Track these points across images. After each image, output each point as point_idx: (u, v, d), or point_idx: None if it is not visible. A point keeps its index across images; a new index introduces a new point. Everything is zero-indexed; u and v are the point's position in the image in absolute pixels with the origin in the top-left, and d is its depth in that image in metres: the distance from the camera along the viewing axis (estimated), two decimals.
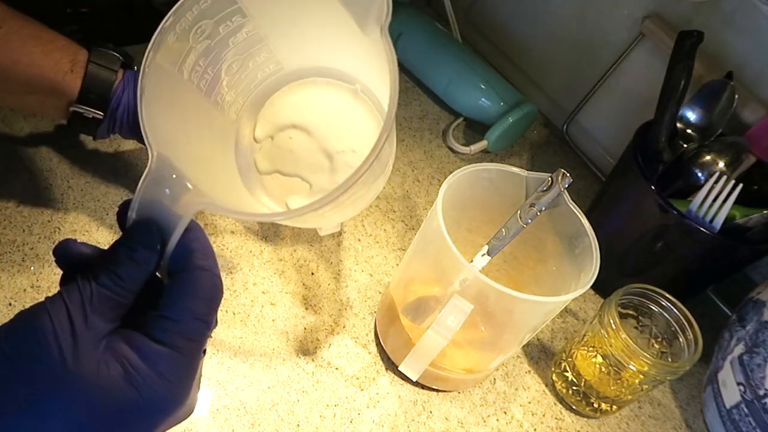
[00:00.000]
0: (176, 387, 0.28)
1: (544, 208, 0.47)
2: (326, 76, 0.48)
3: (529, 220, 0.47)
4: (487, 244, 0.48)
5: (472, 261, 0.48)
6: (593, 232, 0.47)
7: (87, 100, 0.47)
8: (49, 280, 0.50)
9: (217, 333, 0.52)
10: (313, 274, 0.59)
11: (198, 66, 0.38)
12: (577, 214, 0.48)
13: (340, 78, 0.48)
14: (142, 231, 0.28)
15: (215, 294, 0.29)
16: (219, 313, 0.53)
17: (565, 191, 0.47)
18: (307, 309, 0.57)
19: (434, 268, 0.51)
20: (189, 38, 0.36)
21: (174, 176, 0.28)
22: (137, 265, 0.28)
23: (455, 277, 0.44)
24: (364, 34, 0.36)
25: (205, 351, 0.30)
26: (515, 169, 0.49)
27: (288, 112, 0.47)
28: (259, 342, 0.53)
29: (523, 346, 0.61)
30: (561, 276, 0.51)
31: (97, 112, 0.48)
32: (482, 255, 0.48)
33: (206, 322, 0.29)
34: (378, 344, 0.56)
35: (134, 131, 0.49)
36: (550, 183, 0.47)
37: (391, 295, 0.54)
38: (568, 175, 0.47)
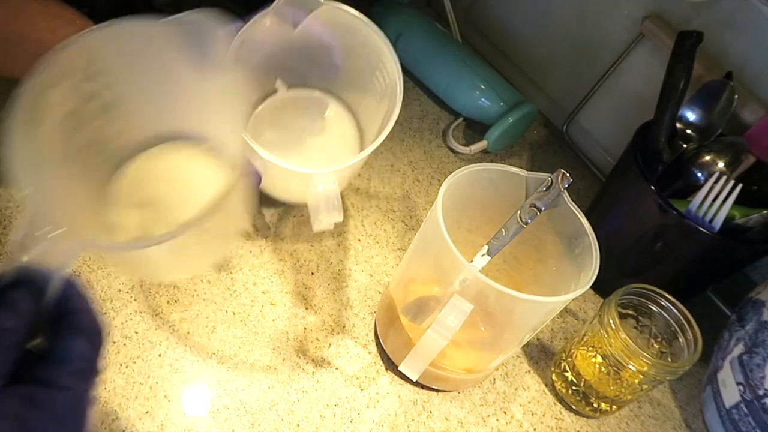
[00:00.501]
0: (71, 427, 0.28)
1: (543, 208, 0.47)
2: (181, 138, 0.46)
3: (529, 220, 0.47)
4: (486, 244, 0.48)
5: (471, 261, 0.48)
6: (593, 232, 0.47)
7: None
8: None
9: (217, 333, 0.52)
10: (313, 274, 0.59)
11: (67, 122, 0.37)
12: (577, 214, 0.48)
13: (197, 137, 0.46)
14: (17, 287, 0.28)
15: (99, 333, 0.29)
16: (219, 313, 0.54)
17: (565, 191, 0.47)
18: (307, 309, 0.57)
19: (434, 268, 0.51)
20: (54, 96, 0.35)
21: (47, 227, 0.28)
22: (19, 319, 0.27)
23: (455, 277, 0.45)
24: (209, 78, 0.37)
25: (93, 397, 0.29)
26: (515, 169, 0.49)
27: (137, 187, 0.45)
28: (259, 342, 0.53)
29: (523, 346, 0.61)
30: (561, 276, 0.51)
31: None
32: (482, 255, 0.48)
33: (94, 361, 0.29)
34: (378, 344, 0.56)
35: None
36: (549, 183, 0.47)
37: (390, 295, 0.54)
38: (568, 175, 0.47)
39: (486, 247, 0.48)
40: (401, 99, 0.50)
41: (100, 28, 0.35)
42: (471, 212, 0.53)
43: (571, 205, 0.48)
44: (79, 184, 0.40)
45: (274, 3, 0.48)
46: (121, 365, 0.48)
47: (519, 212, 0.48)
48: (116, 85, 0.38)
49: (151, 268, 0.41)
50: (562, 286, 0.49)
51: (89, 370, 0.29)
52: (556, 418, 0.57)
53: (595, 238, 0.47)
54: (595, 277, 0.45)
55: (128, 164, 0.44)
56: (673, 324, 0.54)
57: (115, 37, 0.35)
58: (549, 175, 0.48)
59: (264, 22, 0.49)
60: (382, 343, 0.56)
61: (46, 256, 0.28)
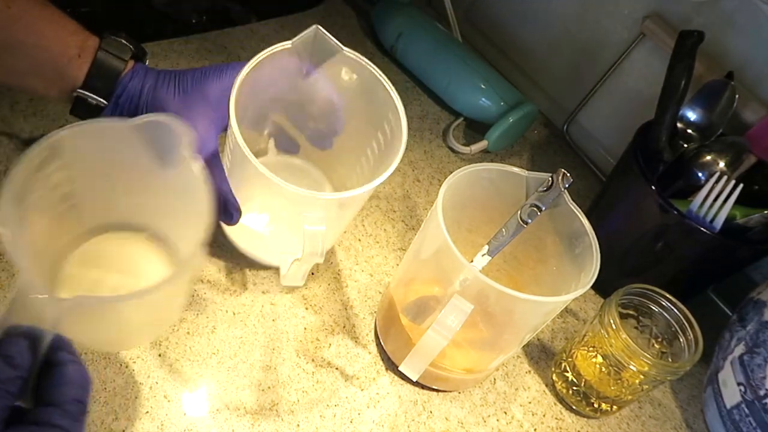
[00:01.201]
0: None
1: (544, 208, 0.47)
2: (133, 227, 0.48)
3: (529, 220, 0.47)
4: (487, 244, 0.48)
5: (472, 261, 0.48)
6: (593, 232, 0.47)
7: (92, 86, 0.47)
8: None
9: (217, 333, 0.52)
10: (313, 273, 0.59)
11: (40, 202, 0.40)
12: (578, 213, 0.48)
13: (149, 228, 0.48)
14: (14, 343, 0.31)
15: (86, 379, 0.33)
16: (219, 313, 0.53)
17: (566, 191, 0.47)
18: (307, 309, 0.57)
19: (434, 268, 0.51)
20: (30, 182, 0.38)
21: (39, 295, 0.32)
22: (15, 371, 0.30)
23: (455, 277, 0.44)
24: (169, 176, 0.40)
25: None
26: (515, 169, 0.49)
27: (83, 271, 0.47)
28: (259, 342, 0.53)
29: (524, 347, 0.61)
30: (561, 276, 0.50)
31: (101, 99, 0.47)
32: (482, 255, 0.48)
33: (83, 403, 0.32)
34: (378, 344, 0.56)
35: None
36: (550, 183, 0.47)
37: (390, 295, 0.54)
38: (568, 175, 0.47)
39: (486, 247, 0.48)
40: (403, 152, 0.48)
41: (72, 127, 0.38)
42: (471, 212, 0.53)
43: (571, 205, 0.48)
44: (42, 257, 0.43)
45: (294, 39, 0.46)
46: (121, 365, 0.48)
47: (519, 212, 0.47)
48: (77, 177, 0.41)
49: (119, 328, 0.42)
50: (563, 286, 0.49)
51: (80, 411, 0.32)
52: (556, 419, 0.57)
53: (595, 237, 0.47)
54: (595, 276, 0.45)
55: (79, 248, 0.47)
56: (674, 324, 0.54)
57: (83, 135, 0.38)
58: (549, 174, 0.48)
59: (278, 61, 0.47)
60: (382, 343, 0.56)
61: (38, 315, 0.32)
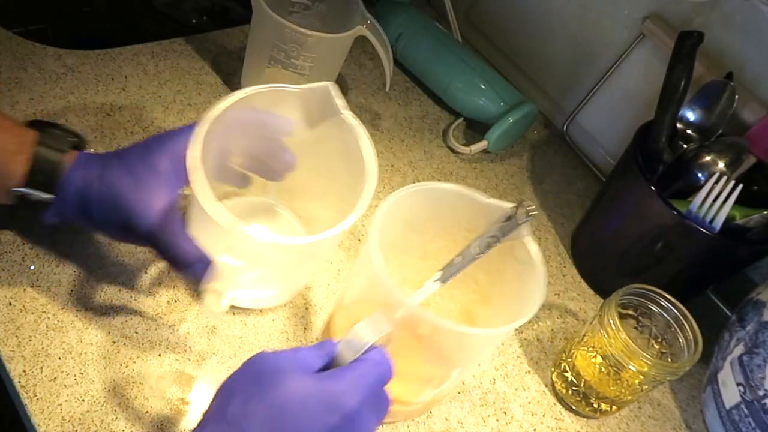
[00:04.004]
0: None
1: (502, 239, 0.45)
2: None
3: (486, 251, 0.45)
4: (440, 270, 0.46)
5: (422, 286, 0.46)
6: (544, 268, 0.44)
7: (34, 182, 0.44)
8: (49, 279, 0.50)
9: (217, 333, 0.52)
10: (313, 273, 0.59)
11: None
12: (530, 249, 0.45)
13: None
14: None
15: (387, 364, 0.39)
16: (220, 313, 0.53)
17: (527, 224, 0.45)
18: (307, 309, 0.57)
19: (373, 295, 0.47)
20: None
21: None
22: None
23: (392, 305, 0.41)
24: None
25: None
26: (477, 195, 0.47)
27: None
28: (259, 342, 0.53)
29: (523, 347, 0.61)
30: (514, 306, 0.47)
31: (44, 195, 0.45)
32: (434, 281, 0.46)
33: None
34: None
35: (87, 215, 0.45)
36: (511, 215, 0.45)
37: (332, 315, 0.51)
38: (532, 207, 0.44)
39: (439, 273, 0.46)
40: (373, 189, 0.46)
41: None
42: (424, 229, 0.50)
43: (527, 240, 0.45)
44: None
45: (303, 87, 0.46)
46: (121, 365, 0.48)
47: (477, 241, 0.45)
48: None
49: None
50: (511, 319, 0.44)
51: (383, 372, 0.38)
52: (556, 419, 0.57)
53: (545, 275, 0.44)
54: (534, 312, 0.42)
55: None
56: (674, 324, 0.54)
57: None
58: (512, 205, 0.45)
59: (233, 115, 0.46)
60: None
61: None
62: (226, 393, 0.36)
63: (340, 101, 0.47)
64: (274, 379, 0.35)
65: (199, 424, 0.36)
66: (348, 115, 0.48)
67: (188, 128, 0.46)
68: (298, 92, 0.47)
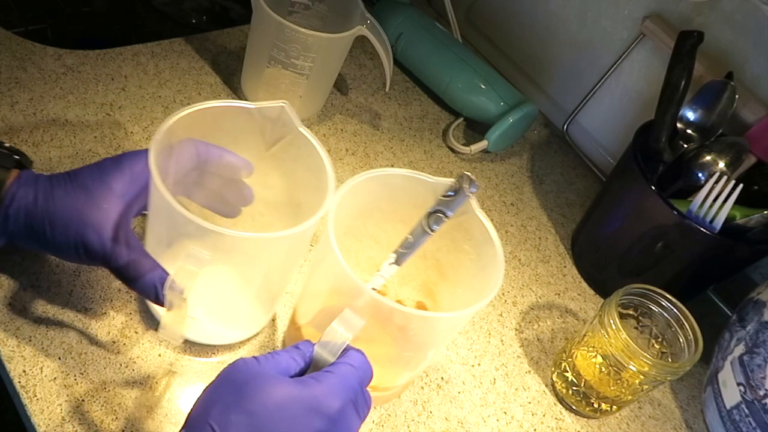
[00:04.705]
0: None
1: (450, 215, 0.44)
2: None
3: (435, 227, 0.44)
4: (394, 252, 0.46)
5: (379, 270, 0.46)
6: (499, 241, 0.45)
7: None
8: (49, 280, 0.50)
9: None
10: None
11: None
12: (484, 221, 0.45)
13: None
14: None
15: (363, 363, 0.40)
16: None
17: (473, 196, 0.44)
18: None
19: (334, 283, 0.47)
20: None
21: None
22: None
23: (358, 297, 0.41)
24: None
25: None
26: (422, 175, 0.46)
27: None
28: (259, 342, 0.53)
29: (523, 347, 0.61)
30: (475, 286, 0.47)
31: None
32: (390, 264, 0.45)
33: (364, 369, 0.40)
34: None
35: (34, 234, 0.43)
36: (456, 188, 0.44)
37: (295, 307, 0.51)
38: (473, 179, 0.44)
39: (393, 256, 0.46)
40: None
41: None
42: (379, 218, 0.50)
43: (478, 213, 0.45)
44: None
45: (258, 105, 0.45)
46: (121, 365, 0.48)
47: (425, 219, 0.45)
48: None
49: None
50: (476, 297, 0.44)
51: (363, 375, 0.39)
52: (556, 419, 0.57)
53: (501, 247, 0.44)
54: (497, 288, 0.42)
55: None
56: (674, 324, 0.54)
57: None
58: (454, 180, 0.45)
59: (184, 145, 0.44)
60: None
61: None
62: (205, 402, 0.36)
63: (296, 119, 0.46)
64: (255, 385, 0.35)
65: None
66: (305, 132, 0.46)
67: (144, 151, 0.45)
68: (254, 110, 0.45)
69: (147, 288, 0.43)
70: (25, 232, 0.43)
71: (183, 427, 0.35)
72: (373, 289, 0.45)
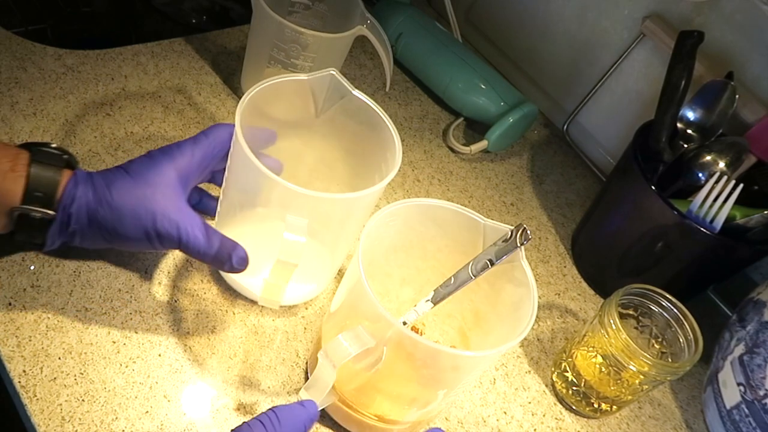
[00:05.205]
0: None
1: (497, 263, 0.44)
2: None
3: (481, 273, 0.44)
4: (433, 290, 0.46)
5: (416, 305, 0.46)
6: (537, 294, 0.44)
7: (32, 199, 0.43)
8: (49, 279, 0.50)
9: (217, 333, 0.52)
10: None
11: None
12: (526, 271, 0.45)
13: None
14: None
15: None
16: (220, 313, 0.53)
17: (522, 248, 0.44)
18: (307, 309, 0.57)
19: (359, 309, 0.46)
20: None
21: None
22: None
23: (384, 330, 0.41)
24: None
25: None
26: (474, 215, 0.46)
27: None
28: (259, 342, 0.53)
29: (523, 347, 0.61)
30: (503, 333, 0.47)
31: (46, 211, 0.43)
32: (426, 301, 0.46)
33: None
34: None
35: (99, 230, 0.45)
36: (508, 237, 0.44)
37: (320, 328, 0.51)
38: (528, 231, 0.43)
39: (432, 293, 0.46)
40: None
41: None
42: (420, 244, 0.50)
43: (523, 263, 0.45)
44: None
45: (310, 76, 0.48)
46: (121, 365, 0.48)
47: (472, 264, 0.45)
48: None
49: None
50: (508, 338, 0.44)
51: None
52: (556, 419, 0.57)
53: (536, 300, 0.43)
54: (523, 337, 0.42)
55: None
56: (674, 324, 0.54)
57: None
58: (509, 227, 0.45)
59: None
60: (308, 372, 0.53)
61: None
62: None
63: (347, 83, 0.49)
64: None
65: None
66: (359, 95, 0.50)
67: (190, 141, 0.48)
68: (306, 80, 0.48)
69: (222, 261, 0.47)
70: (90, 230, 0.45)
71: None
72: (404, 323, 0.46)
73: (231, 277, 0.55)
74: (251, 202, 0.50)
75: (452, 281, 0.45)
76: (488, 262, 0.44)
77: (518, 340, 0.41)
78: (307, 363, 0.53)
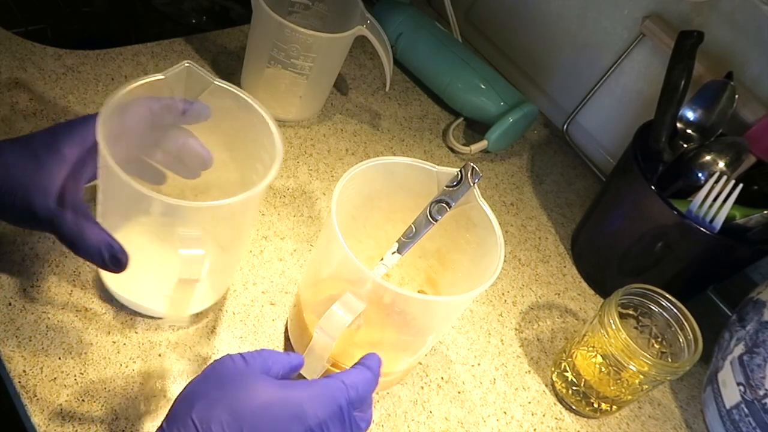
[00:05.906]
0: None
1: (453, 205, 0.45)
2: None
3: (438, 217, 0.45)
4: (396, 241, 0.47)
5: (382, 259, 0.46)
6: (500, 229, 0.45)
7: None
8: (48, 279, 0.50)
9: (217, 333, 0.52)
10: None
11: None
12: (486, 210, 0.46)
13: None
14: None
15: None
16: (220, 313, 0.53)
17: (476, 186, 0.45)
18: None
19: (338, 270, 0.48)
20: None
21: None
22: None
23: (362, 283, 0.42)
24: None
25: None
26: (425, 164, 0.47)
27: None
28: (259, 342, 0.53)
29: (523, 347, 0.61)
30: (475, 273, 0.48)
31: None
32: (392, 253, 0.46)
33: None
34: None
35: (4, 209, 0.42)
36: (459, 178, 0.45)
37: (299, 295, 0.51)
38: (477, 169, 0.45)
39: (396, 245, 0.47)
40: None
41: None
42: (381, 206, 0.51)
43: (481, 202, 0.46)
44: None
45: (166, 72, 0.44)
46: (121, 365, 0.48)
47: (428, 208, 0.46)
48: None
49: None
50: (476, 284, 0.45)
51: (354, 395, 0.39)
52: (556, 419, 0.57)
53: (501, 235, 0.45)
54: (495, 276, 0.43)
55: None
56: (674, 324, 0.54)
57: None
58: (458, 169, 0.46)
59: (142, 103, 0.44)
60: (292, 344, 0.53)
61: None
62: (189, 396, 0.36)
63: (206, 74, 0.46)
64: (240, 384, 0.35)
65: (160, 427, 0.36)
66: (222, 83, 0.46)
67: (95, 115, 0.43)
68: (163, 79, 0.44)
69: (92, 252, 0.42)
70: None
71: (165, 420, 0.36)
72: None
73: (129, 299, 0.50)
74: (133, 216, 0.47)
75: (413, 229, 0.46)
76: (446, 205, 0.45)
77: (490, 282, 0.43)
78: (286, 328, 0.53)
